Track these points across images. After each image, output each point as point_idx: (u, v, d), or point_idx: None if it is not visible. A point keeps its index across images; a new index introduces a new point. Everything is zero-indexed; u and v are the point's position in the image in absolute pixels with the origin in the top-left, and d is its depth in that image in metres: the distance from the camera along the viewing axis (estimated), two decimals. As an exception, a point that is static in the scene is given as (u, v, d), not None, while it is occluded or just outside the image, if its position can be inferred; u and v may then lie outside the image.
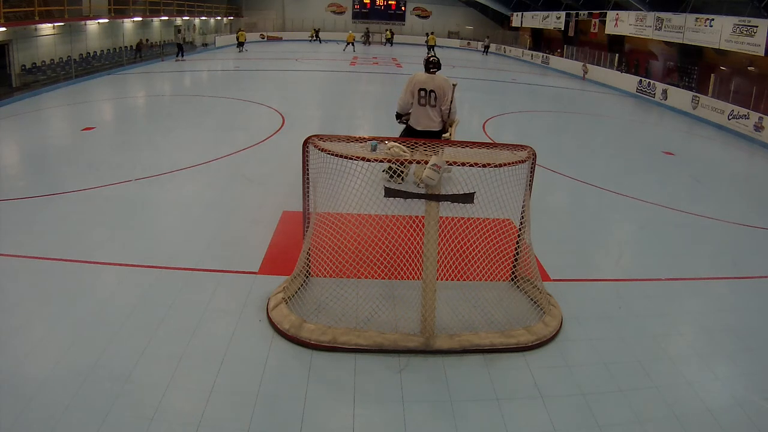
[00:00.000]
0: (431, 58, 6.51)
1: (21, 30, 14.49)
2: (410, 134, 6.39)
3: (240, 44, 26.91)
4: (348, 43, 29.84)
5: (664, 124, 14.32)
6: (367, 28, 36.31)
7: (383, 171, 6.03)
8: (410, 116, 6.52)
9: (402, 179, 5.28)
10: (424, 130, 6.37)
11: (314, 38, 34.80)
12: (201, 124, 10.41)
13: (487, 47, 33.77)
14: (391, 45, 35.13)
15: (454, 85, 6.41)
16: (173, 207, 6.02)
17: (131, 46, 20.73)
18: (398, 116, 6.75)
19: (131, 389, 3.11)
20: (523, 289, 4.33)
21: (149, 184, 6.66)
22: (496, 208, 3.90)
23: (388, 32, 36.25)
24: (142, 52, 20.61)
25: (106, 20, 19.14)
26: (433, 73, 6.40)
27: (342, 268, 4.20)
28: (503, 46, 34.13)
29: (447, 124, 6.50)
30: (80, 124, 10.01)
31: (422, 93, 6.28)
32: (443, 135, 6.43)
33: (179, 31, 21.89)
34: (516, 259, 4.35)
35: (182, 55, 21.77)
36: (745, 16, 13.99)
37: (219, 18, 32.68)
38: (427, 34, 32.26)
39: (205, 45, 28.29)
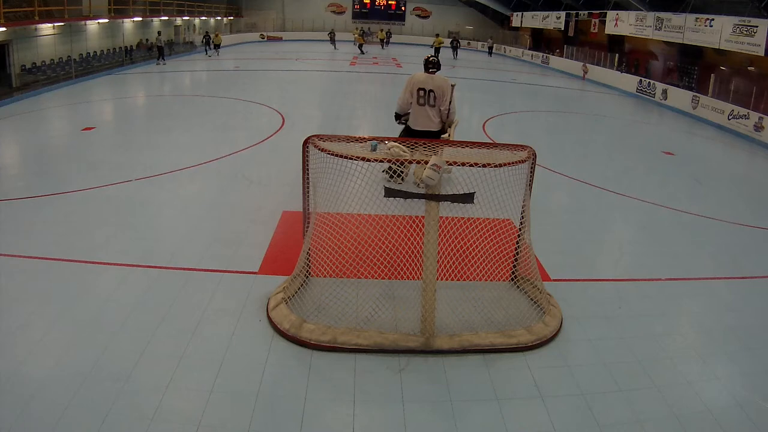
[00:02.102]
0: (431, 58, 6.51)
1: (21, 30, 14.48)
2: (409, 134, 6.39)
3: (215, 46, 25.36)
4: (360, 45, 29.59)
5: (664, 124, 14.31)
6: (362, 29, 35.47)
7: (383, 171, 6.03)
8: (409, 116, 6.52)
9: (402, 179, 5.28)
10: (422, 130, 6.37)
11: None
12: (201, 124, 10.40)
13: (491, 48, 33.56)
14: (388, 45, 34.35)
15: (452, 86, 6.41)
16: (173, 207, 6.02)
17: (131, 47, 20.67)
18: (397, 116, 6.75)
19: (131, 389, 3.11)
20: (523, 289, 4.33)
21: (149, 184, 6.65)
22: (496, 208, 3.90)
23: (381, 32, 34.49)
24: (139, 52, 20.43)
25: (106, 20, 19.14)
26: (433, 73, 6.40)
27: (342, 268, 4.21)
28: (503, 46, 34.09)
29: (446, 124, 6.50)
30: (80, 124, 10.01)
31: (421, 93, 6.28)
32: (442, 136, 6.43)
33: (160, 34, 20.97)
34: (516, 259, 4.35)
35: (163, 59, 20.79)
36: (745, 16, 13.99)
37: (219, 18, 32.68)
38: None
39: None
